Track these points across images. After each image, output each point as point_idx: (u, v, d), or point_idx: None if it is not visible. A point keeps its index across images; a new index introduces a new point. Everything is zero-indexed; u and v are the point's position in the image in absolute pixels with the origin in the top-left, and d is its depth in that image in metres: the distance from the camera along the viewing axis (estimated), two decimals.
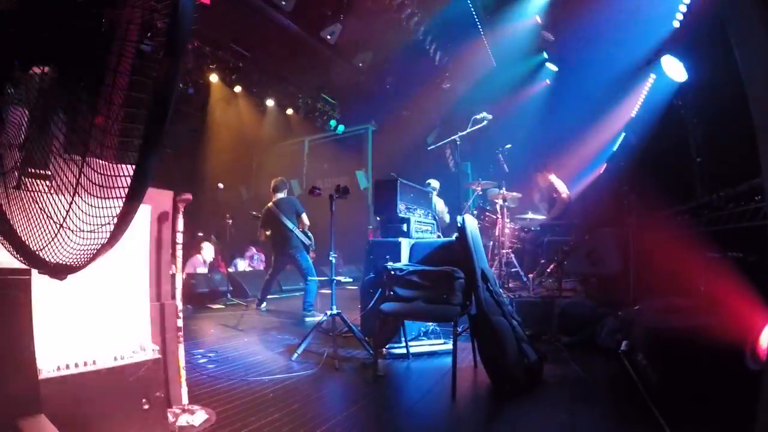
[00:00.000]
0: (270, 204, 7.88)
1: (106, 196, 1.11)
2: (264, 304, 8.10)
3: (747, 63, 1.76)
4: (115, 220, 1.07)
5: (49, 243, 1.31)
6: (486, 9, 9.83)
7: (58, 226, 1.25)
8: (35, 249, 1.39)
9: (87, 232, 1.17)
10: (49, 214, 1.29)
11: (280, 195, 7.90)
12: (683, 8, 5.89)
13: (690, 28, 5.82)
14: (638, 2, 6.82)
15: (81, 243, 1.21)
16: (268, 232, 7.86)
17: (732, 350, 2.64)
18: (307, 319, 7.06)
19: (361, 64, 11.73)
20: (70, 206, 1.21)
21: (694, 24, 5.65)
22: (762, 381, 1.72)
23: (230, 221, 9.94)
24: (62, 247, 1.28)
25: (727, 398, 2.61)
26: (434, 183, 8.81)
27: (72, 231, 1.22)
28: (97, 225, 1.13)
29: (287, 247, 7.65)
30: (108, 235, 1.10)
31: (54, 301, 2.41)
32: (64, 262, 1.30)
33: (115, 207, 1.09)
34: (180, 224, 3.20)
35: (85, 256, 1.21)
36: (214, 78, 11.60)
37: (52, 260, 1.34)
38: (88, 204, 1.17)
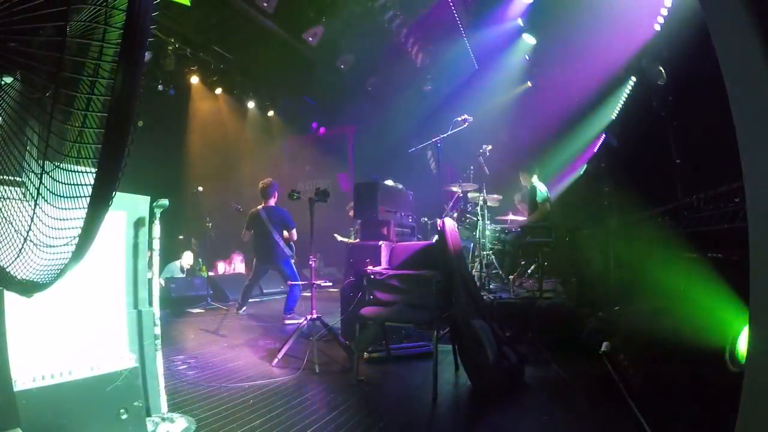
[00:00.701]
0: (259, 208, 7.73)
1: (65, 216, 1.07)
2: (244, 308, 8.04)
3: (727, 61, 1.77)
4: (77, 239, 1.03)
5: (16, 258, 1.27)
6: (468, 12, 9.86)
7: (22, 239, 1.21)
8: (4, 265, 1.35)
9: (52, 246, 1.13)
10: (14, 226, 1.25)
11: (271, 201, 7.79)
12: (664, 11, 5.94)
13: (671, 32, 5.87)
14: (619, 6, 6.88)
15: (47, 258, 1.17)
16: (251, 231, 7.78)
17: (712, 351, 2.66)
18: (287, 322, 7.05)
19: (342, 66, 11.71)
20: (32, 217, 1.17)
21: (675, 27, 5.70)
22: (742, 382, 1.73)
23: (210, 224, 9.86)
24: (28, 262, 1.24)
25: (707, 399, 2.62)
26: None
27: (37, 245, 1.18)
28: (62, 239, 1.09)
29: (271, 256, 7.61)
30: (73, 249, 1.06)
31: (28, 311, 2.38)
32: (31, 279, 1.26)
33: (78, 219, 1.05)
34: (157, 230, 3.16)
35: (52, 272, 1.17)
36: (194, 80, 11.50)
37: (19, 276, 1.30)
38: (51, 216, 1.14)
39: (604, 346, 4.32)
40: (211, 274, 10.82)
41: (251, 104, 13.28)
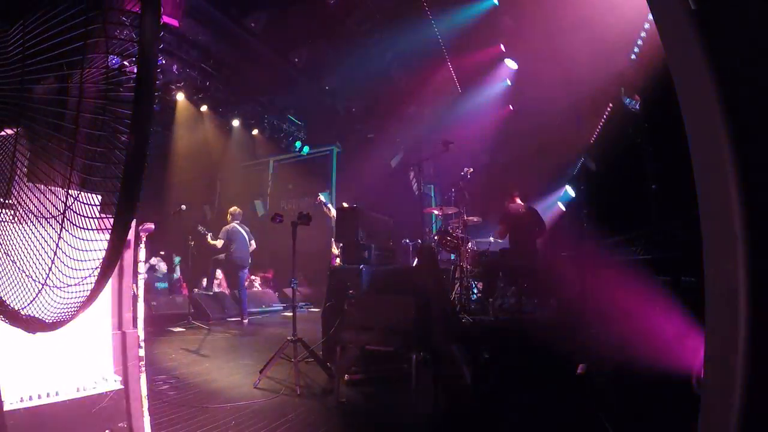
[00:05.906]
0: (236, 224, 9.55)
1: (89, 238, 1.13)
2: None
3: (683, 92, 1.89)
4: (84, 297, 1.09)
5: (32, 302, 1.32)
6: (452, 35, 10.02)
7: (40, 285, 1.26)
8: (17, 308, 1.40)
9: (67, 287, 1.18)
10: (30, 273, 1.30)
11: (238, 219, 9.70)
12: (640, 42, 6.14)
13: (646, 61, 6.06)
14: (598, 34, 7.08)
15: (62, 301, 1.22)
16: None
17: (681, 375, 2.77)
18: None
19: (327, 87, 11.85)
20: (53, 258, 1.22)
21: (650, 57, 5.87)
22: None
23: (192, 243, 9.84)
24: (44, 305, 1.29)
25: (678, 422, 2.72)
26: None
27: (52, 288, 1.23)
28: (78, 278, 1.15)
29: (247, 263, 9.49)
30: (89, 290, 1.12)
31: (15, 332, 2.42)
32: (40, 318, 1.31)
33: (97, 254, 1.11)
34: (142, 254, 3.21)
35: (66, 313, 1.22)
36: (180, 96, 11.54)
37: (28, 314, 1.35)
38: (75, 242, 1.19)
39: (580, 368, 4.42)
40: (195, 290, 10.78)
41: (236, 122, 13.34)
